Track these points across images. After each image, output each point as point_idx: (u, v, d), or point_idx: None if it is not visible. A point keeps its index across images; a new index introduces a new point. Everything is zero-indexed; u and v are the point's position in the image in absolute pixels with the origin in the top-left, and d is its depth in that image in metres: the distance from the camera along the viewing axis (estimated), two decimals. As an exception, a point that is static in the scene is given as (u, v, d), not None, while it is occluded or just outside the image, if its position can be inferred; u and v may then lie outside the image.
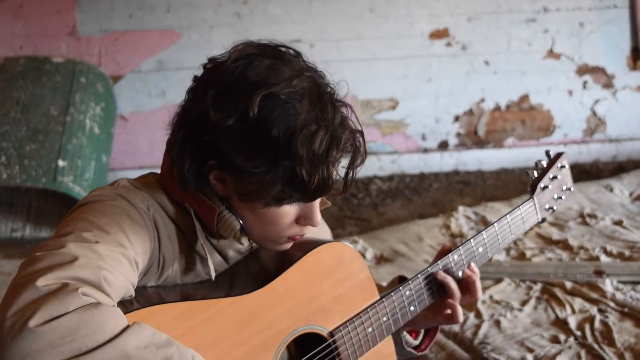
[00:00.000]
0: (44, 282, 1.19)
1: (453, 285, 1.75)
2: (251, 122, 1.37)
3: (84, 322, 1.17)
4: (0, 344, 1.14)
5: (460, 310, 1.77)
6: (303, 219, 1.51)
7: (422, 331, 1.92)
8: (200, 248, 1.53)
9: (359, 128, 1.51)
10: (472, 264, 1.80)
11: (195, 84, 1.48)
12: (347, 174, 1.48)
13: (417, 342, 1.89)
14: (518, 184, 4.87)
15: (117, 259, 1.32)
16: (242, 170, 1.40)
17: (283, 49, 1.47)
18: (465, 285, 1.78)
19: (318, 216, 1.51)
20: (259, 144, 1.38)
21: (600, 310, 2.76)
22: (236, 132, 1.39)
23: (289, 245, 1.58)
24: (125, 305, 1.33)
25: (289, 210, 1.48)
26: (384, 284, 1.96)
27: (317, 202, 1.50)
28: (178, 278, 1.53)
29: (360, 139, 1.50)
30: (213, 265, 1.53)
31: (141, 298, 1.40)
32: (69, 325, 1.16)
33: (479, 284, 1.79)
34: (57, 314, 1.16)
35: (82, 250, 1.27)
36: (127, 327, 1.22)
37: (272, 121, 1.37)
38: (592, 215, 3.60)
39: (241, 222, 1.50)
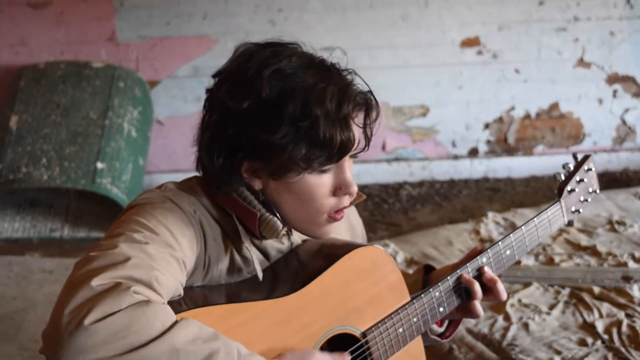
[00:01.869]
0: (99, 282, 1.24)
1: (476, 287, 1.77)
2: (266, 100, 1.45)
3: (136, 319, 1.22)
4: (57, 340, 1.20)
5: (479, 308, 1.79)
6: (339, 190, 1.55)
7: (447, 321, 1.93)
8: (245, 250, 1.58)
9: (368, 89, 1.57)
10: (486, 269, 1.81)
11: (208, 94, 1.56)
12: (365, 127, 1.53)
13: (441, 330, 1.91)
14: (547, 191, 4.89)
15: (166, 259, 1.37)
16: (269, 148, 1.46)
17: (282, 42, 1.55)
18: (488, 288, 1.80)
19: (353, 183, 1.55)
20: (278, 117, 1.44)
21: (627, 315, 2.80)
22: (254, 113, 1.46)
23: (331, 229, 1.61)
24: (174, 305, 1.38)
25: (323, 181, 1.52)
26: (410, 271, 2.00)
27: (349, 169, 1.55)
28: (222, 278, 1.58)
29: (371, 96, 1.56)
30: (259, 266, 1.58)
31: (187, 299, 1.44)
32: (122, 322, 1.21)
33: (500, 286, 1.80)
34: (110, 311, 1.21)
35: (134, 251, 1.33)
36: (176, 322, 1.28)
37: (285, 93, 1.45)
38: (621, 222, 3.63)
39: (279, 213, 1.55)
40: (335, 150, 1.48)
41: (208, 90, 1.56)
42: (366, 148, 1.57)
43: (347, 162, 1.56)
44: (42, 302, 3.15)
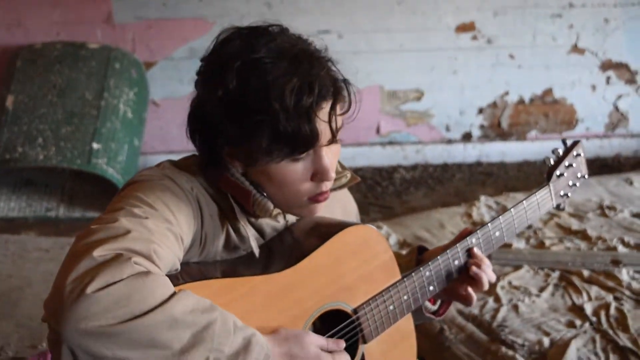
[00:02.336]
0: (100, 253, 1.27)
1: (485, 280, 1.79)
2: (233, 92, 1.47)
3: (136, 289, 1.25)
4: (60, 307, 1.22)
5: (474, 297, 1.82)
6: (316, 175, 1.56)
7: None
8: (241, 228, 1.61)
9: (343, 78, 1.55)
10: (476, 250, 1.82)
11: (196, 77, 1.59)
12: (329, 119, 1.52)
13: (435, 308, 1.93)
14: (539, 176, 4.92)
15: (164, 234, 1.40)
16: (239, 138, 1.50)
17: (263, 26, 1.55)
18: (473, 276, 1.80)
19: (330, 170, 1.56)
20: (241, 109, 1.47)
21: (615, 298, 2.84)
22: (223, 102, 1.48)
23: (316, 208, 1.62)
24: (171, 279, 1.42)
25: (296, 168, 1.54)
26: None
27: (326, 155, 1.55)
28: (219, 254, 1.61)
29: (343, 85, 1.55)
30: (256, 242, 1.61)
31: (184, 273, 1.47)
32: (123, 291, 1.24)
33: (484, 278, 1.80)
34: (112, 280, 1.24)
35: (133, 225, 1.35)
36: (174, 293, 1.30)
37: (249, 86, 1.46)
38: (611, 208, 3.66)
39: (265, 193, 1.57)
40: (298, 144, 1.50)
41: (196, 73, 1.59)
42: (335, 140, 1.56)
43: (328, 149, 1.56)
44: (38, 281, 3.18)
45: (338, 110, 1.55)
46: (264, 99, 1.46)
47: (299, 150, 1.51)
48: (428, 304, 1.92)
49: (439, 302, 1.96)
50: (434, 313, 1.94)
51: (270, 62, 1.48)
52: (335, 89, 1.53)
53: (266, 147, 1.48)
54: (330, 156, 1.57)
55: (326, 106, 1.51)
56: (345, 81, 1.56)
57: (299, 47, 1.53)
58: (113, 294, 1.24)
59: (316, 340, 1.52)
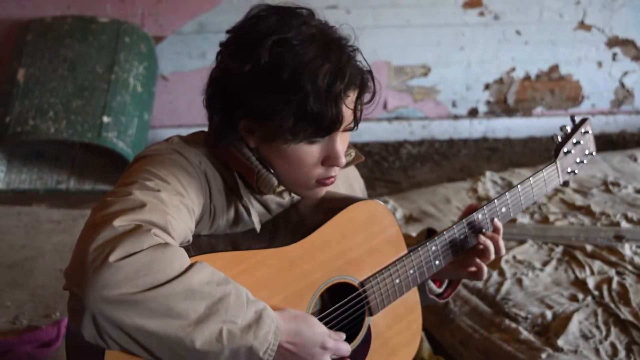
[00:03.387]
0: (120, 223, 1.32)
1: (491, 249, 1.83)
2: (264, 67, 1.50)
3: (156, 259, 1.30)
4: (83, 275, 1.27)
5: (485, 270, 1.86)
6: (327, 160, 1.60)
7: (446, 281, 2.00)
8: (245, 202, 1.65)
9: (368, 68, 1.61)
10: (496, 220, 1.86)
11: (220, 48, 1.62)
12: (355, 107, 1.57)
13: (440, 291, 1.97)
14: (544, 152, 4.95)
15: (177, 206, 1.44)
16: (263, 113, 1.53)
17: (294, 7, 1.59)
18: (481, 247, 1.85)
19: (341, 156, 1.60)
20: (272, 86, 1.50)
21: (618, 273, 2.88)
22: (252, 77, 1.51)
23: (321, 191, 1.67)
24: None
25: (312, 150, 1.58)
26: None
27: (339, 142, 1.60)
28: (227, 228, 1.65)
29: (369, 76, 1.60)
30: (257, 217, 1.65)
31: (194, 246, 1.51)
32: (143, 261, 1.29)
33: (501, 243, 1.85)
34: (133, 250, 1.29)
35: (148, 197, 1.40)
36: (192, 265, 1.36)
37: (282, 64, 1.49)
38: (615, 184, 3.70)
39: (273, 171, 1.61)
40: (322, 127, 1.54)
41: (220, 44, 1.63)
42: (355, 128, 1.62)
43: (341, 135, 1.60)
44: (50, 252, 3.22)
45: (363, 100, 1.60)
46: (296, 78, 1.49)
47: (322, 132, 1.55)
48: (433, 287, 1.95)
49: (444, 285, 1.99)
50: (439, 296, 1.98)
51: (302, 44, 1.51)
52: (362, 79, 1.58)
53: (291, 126, 1.52)
54: (342, 143, 1.62)
55: (352, 94, 1.56)
56: (370, 72, 1.61)
57: (329, 35, 1.57)
58: (134, 263, 1.28)
59: (317, 325, 1.56)
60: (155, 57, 4.72)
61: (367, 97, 1.64)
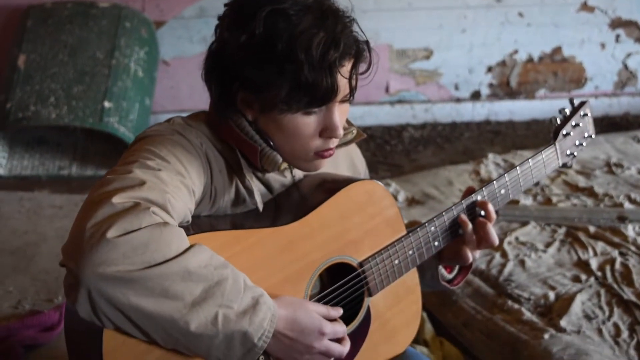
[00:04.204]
0: (119, 200, 1.31)
1: (468, 229, 1.80)
2: (259, 38, 1.49)
3: (154, 238, 1.29)
4: (80, 251, 1.26)
5: (468, 253, 1.82)
6: (325, 131, 1.59)
7: (457, 267, 1.97)
8: (247, 182, 1.63)
9: (365, 39, 1.59)
10: (490, 207, 1.82)
11: (218, 22, 1.61)
12: (350, 77, 1.56)
13: (450, 277, 1.95)
14: (547, 135, 4.87)
15: (177, 186, 1.43)
16: (259, 84, 1.52)
17: None
18: (481, 230, 1.81)
19: (339, 127, 1.59)
20: (267, 56, 1.50)
21: (621, 254, 2.88)
22: (247, 48, 1.51)
23: (320, 164, 1.65)
24: (181, 230, 1.46)
25: (309, 121, 1.57)
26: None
27: (337, 113, 1.58)
28: (228, 209, 1.64)
29: (365, 46, 1.58)
30: (260, 197, 1.64)
31: (194, 225, 1.50)
32: (141, 239, 1.28)
33: (491, 230, 1.80)
34: (131, 228, 1.28)
35: (148, 176, 1.39)
36: (190, 247, 1.35)
37: (277, 34, 1.49)
38: (618, 165, 3.69)
39: (272, 143, 1.60)
40: (317, 96, 1.53)
41: (218, 18, 1.62)
42: (351, 98, 1.60)
43: (339, 106, 1.59)
44: (53, 237, 3.22)
45: (359, 70, 1.59)
46: (290, 48, 1.48)
47: (317, 102, 1.54)
48: (444, 272, 1.94)
49: (455, 272, 1.98)
50: (449, 282, 1.97)
51: (298, 14, 1.51)
52: (357, 48, 1.56)
53: (285, 96, 1.51)
54: (340, 114, 1.60)
55: (347, 64, 1.55)
56: (367, 42, 1.59)
57: (325, 4, 1.56)
58: (131, 241, 1.28)
59: (318, 308, 1.55)
60: (156, 42, 4.71)
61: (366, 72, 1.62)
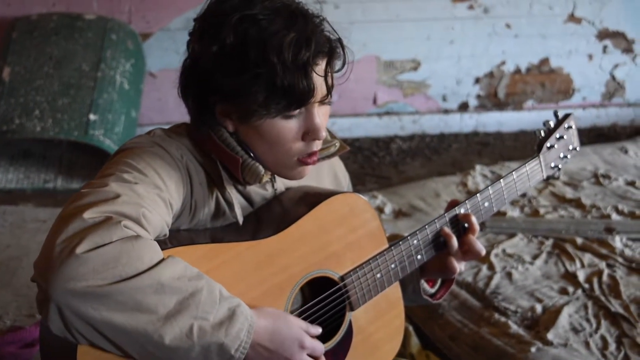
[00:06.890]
0: (90, 215, 1.29)
1: (453, 242, 1.78)
2: (230, 46, 1.48)
3: (125, 252, 1.27)
4: (50, 267, 1.25)
5: (454, 264, 1.80)
6: (307, 135, 1.57)
7: (439, 281, 1.96)
8: (228, 195, 1.62)
9: (337, 37, 1.58)
10: (473, 219, 1.81)
11: (189, 38, 1.60)
12: (325, 75, 1.54)
13: (433, 291, 1.95)
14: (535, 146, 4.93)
15: (154, 199, 1.41)
16: (235, 93, 1.51)
17: None
18: (466, 243, 1.80)
19: (321, 128, 1.57)
20: (241, 64, 1.48)
21: (608, 265, 2.87)
22: (220, 57, 1.49)
23: (304, 171, 1.63)
24: (159, 244, 1.44)
25: (289, 125, 1.55)
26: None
27: (317, 115, 1.57)
28: (208, 222, 1.62)
29: (338, 44, 1.57)
30: (240, 210, 1.62)
31: (173, 239, 1.48)
32: (111, 253, 1.26)
33: (475, 241, 1.80)
34: (101, 242, 1.26)
35: (123, 190, 1.37)
36: (163, 259, 1.32)
37: (248, 40, 1.47)
38: (606, 176, 3.68)
39: (253, 154, 1.58)
40: (294, 98, 1.51)
41: (189, 34, 1.60)
42: (329, 97, 1.59)
43: (319, 108, 1.58)
44: (36, 251, 3.15)
45: (334, 68, 1.58)
46: (261, 52, 1.47)
47: (295, 104, 1.53)
48: (426, 287, 1.92)
49: (437, 285, 1.96)
50: (432, 296, 1.95)
51: (267, 18, 1.49)
52: (330, 46, 1.55)
53: (262, 101, 1.50)
54: (321, 116, 1.59)
55: (322, 62, 1.54)
56: (339, 40, 1.58)
57: (294, 5, 1.55)
58: (102, 255, 1.26)
59: (299, 322, 1.53)
60: (143, 54, 4.69)
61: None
